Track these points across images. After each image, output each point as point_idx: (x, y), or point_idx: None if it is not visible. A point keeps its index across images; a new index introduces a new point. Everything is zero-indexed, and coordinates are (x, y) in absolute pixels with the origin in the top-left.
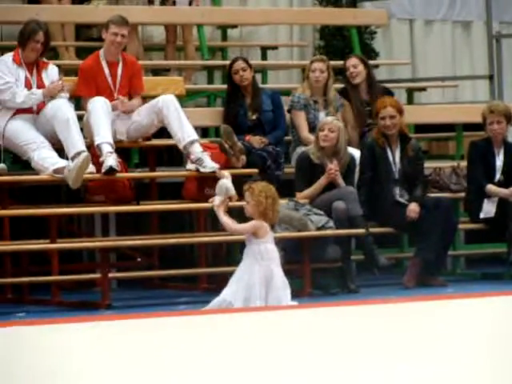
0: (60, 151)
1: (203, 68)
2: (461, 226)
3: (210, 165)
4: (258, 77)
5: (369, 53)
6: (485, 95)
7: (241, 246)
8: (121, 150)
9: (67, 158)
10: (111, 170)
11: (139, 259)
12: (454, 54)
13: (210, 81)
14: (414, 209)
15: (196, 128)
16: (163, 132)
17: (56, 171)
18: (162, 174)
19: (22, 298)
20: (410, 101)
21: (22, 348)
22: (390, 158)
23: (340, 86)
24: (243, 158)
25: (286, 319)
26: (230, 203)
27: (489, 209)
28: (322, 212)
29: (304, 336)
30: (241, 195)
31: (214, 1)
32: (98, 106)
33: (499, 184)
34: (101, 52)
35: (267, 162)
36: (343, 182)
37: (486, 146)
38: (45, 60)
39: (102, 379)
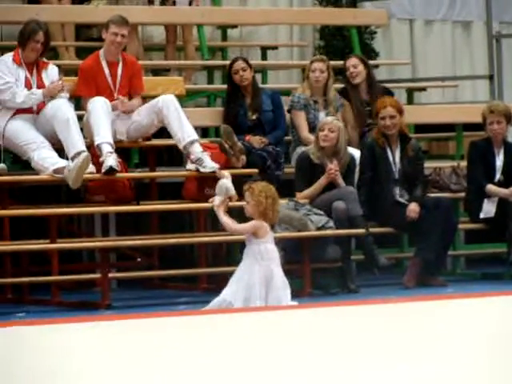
0: (60, 151)
1: (203, 68)
2: (461, 226)
3: (210, 165)
4: (258, 77)
5: (369, 53)
6: (485, 95)
7: (241, 246)
8: (121, 150)
9: (67, 158)
10: (111, 170)
11: (139, 259)
12: (454, 54)
13: (210, 81)
14: (414, 209)
15: (196, 128)
16: (163, 132)
17: (56, 171)
18: (162, 174)
19: (22, 298)
20: (410, 101)
21: (21, 348)
22: (390, 158)
23: (340, 86)
24: (243, 158)
25: (286, 319)
26: (230, 203)
27: (489, 209)
28: (321, 212)
29: (304, 336)
30: (241, 195)
31: (214, 1)
32: (98, 106)
33: (499, 184)
34: (101, 52)
35: (267, 162)
36: (343, 182)
37: (486, 145)
38: (45, 60)
39: (102, 379)
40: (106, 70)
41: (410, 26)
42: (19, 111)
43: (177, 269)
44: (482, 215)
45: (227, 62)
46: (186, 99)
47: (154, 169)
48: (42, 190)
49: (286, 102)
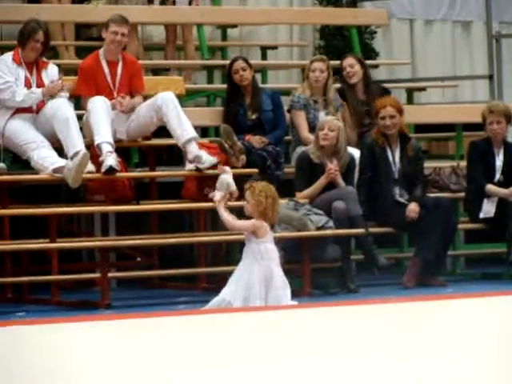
0: (60, 151)
1: (203, 68)
2: (460, 226)
3: (208, 160)
4: (258, 76)
5: (369, 53)
6: (484, 95)
7: (240, 245)
8: (121, 149)
9: (67, 158)
10: (111, 170)
11: (139, 259)
12: (454, 53)
13: (210, 80)
14: (413, 209)
15: (196, 128)
16: (163, 131)
17: (56, 170)
18: (162, 173)
19: (22, 298)
20: (410, 101)
21: (21, 347)
22: (390, 158)
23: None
24: (243, 157)
25: (286, 319)
26: (230, 203)
27: (488, 209)
28: (321, 212)
29: (304, 336)
30: (241, 195)
31: (214, 0)
32: (98, 106)
33: (499, 184)
34: (101, 51)
35: (267, 161)
36: (343, 182)
37: (486, 145)
38: (45, 59)
39: (102, 379)
40: (106, 70)
41: (410, 26)
42: (19, 111)
43: (176, 268)
44: (481, 215)
45: (227, 62)
46: (186, 99)
47: (154, 168)
48: (42, 190)
49: (286, 102)
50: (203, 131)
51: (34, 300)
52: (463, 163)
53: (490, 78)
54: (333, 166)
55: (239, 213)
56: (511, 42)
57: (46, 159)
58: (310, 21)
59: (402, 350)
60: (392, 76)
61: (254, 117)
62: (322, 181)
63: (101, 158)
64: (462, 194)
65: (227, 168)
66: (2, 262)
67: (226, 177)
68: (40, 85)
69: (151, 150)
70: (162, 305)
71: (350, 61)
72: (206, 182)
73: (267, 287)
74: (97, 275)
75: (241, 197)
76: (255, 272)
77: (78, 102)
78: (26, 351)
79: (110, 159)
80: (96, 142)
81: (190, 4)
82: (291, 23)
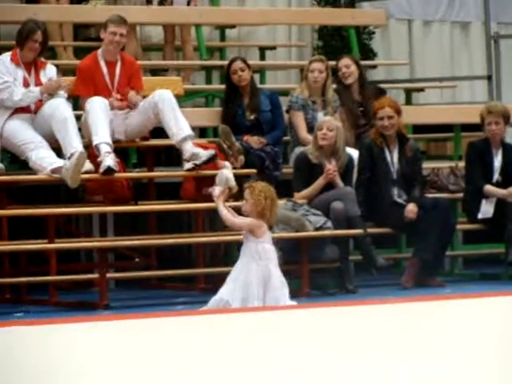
0: (58, 151)
1: (201, 68)
2: (459, 227)
3: (205, 154)
4: (257, 77)
5: (367, 53)
6: (483, 96)
7: (238, 246)
8: (119, 149)
9: (65, 158)
10: (109, 170)
11: (137, 259)
12: (453, 54)
13: (208, 81)
14: (412, 209)
15: (194, 128)
16: (161, 132)
17: (54, 171)
18: (160, 174)
19: (20, 298)
20: (408, 101)
21: (20, 348)
22: (388, 159)
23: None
24: (241, 158)
25: (284, 319)
26: (229, 203)
27: (487, 209)
28: (320, 212)
29: (302, 336)
30: (240, 195)
31: (212, 1)
32: (96, 106)
33: (497, 184)
34: (99, 52)
35: (265, 162)
36: (341, 183)
37: (484, 146)
38: (43, 60)
39: (101, 379)
40: (105, 70)
41: (408, 27)
42: (17, 111)
43: (175, 269)
44: (480, 216)
45: (225, 62)
46: (184, 99)
47: (152, 169)
48: (40, 190)
49: (285, 102)
50: (201, 132)
51: (32, 301)
52: (461, 164)
53: (489, 78)
54: (331, 167)
55: (237, 213)
56: (510, 42)
57: (44, 159)
58: (309, 21)
59: (400, 350)
60: (390, 76)
61: (252, 117)
62: (320, 181)
63: (99, 159)
64: (461, 195)
65: (227, 163)
66: (0, 263)
67: (226, 172)
68: (38, 85)
69: (149, 150)
70: (160, 305)
71: (345, 61)
72: (204, 182)
73: (265, 287)
74: (95, 276)
75: (240, 197)
76: (253, 271)
77: (77, 102)
78: (24, 352)
79: (109, 160)
80: (94, 143)
81: (188, 4)
82: (289, 24)
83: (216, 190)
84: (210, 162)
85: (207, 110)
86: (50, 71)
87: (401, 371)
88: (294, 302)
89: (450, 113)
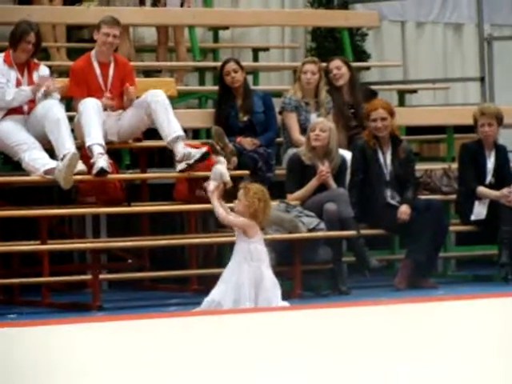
0: (51, 152)
1: (195, 69)
2: (452, 228)
3: (197, 152)
4: (250, 78)
5: (360, 54)
6: (476, 97)
7: (231, 247)
8: (112, 151)
9: (58, 159)
10: (102, 172)
11: (130, 261)
12: (446, 56)
13: (202, 82)
14: (405, 211)
15: (187, 130)
16: (154, 133)
17: (47, 172)
18: (153, 175)
19: (13, 300)
20: (402, 103)
21: (13, 350)
22: (381, 160)
23: None
24: (234, 159)
25: (277, 321)
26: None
27: (480, 211)
28: (313, 214)
29: (294, 338)
30: (232, 196)
31: (206, 2)
32: (89, 107)
33: (490, 186)
34: (92, 53)
35: (258, 163)
36: (334, 184)
37: (477, 148)
38: (36, 61)
39: (94, 380)
40: (98, 71)
41: (401, 28)
42: (10, 112)
43: (168, 270)
44: (472, 217)
45: (219, 64)
46: (178, 100)
47: (145, 170)
48: (33, 191)
49: (278, 104)
50: (195, 133)
51: (25, 302)
52: (454, 165)
53: (482, 80)
54: (324, 168)
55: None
56: (503, 44)
57: (37, 161)
58: (302, 23)
59: (393, 351)
60: (383, 78)
61: (245, 119)
62: (313, 183)
63: (92, 160)
64: (454, 196)
65: (221, 158)
66: None
67: (220, 167)
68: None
69: (142, 151)
70: (153, 307)
71: (336, 63)
72: (197, 183)
73: (257, 289)
74: (88, 277)
75: (233, 197)
76: (244, 272)
77: (70, 103)
78: (17, 353)
79: (102, 161)
80: (87, 144)
81: (181, 6)
82: (283, 25)
83: (211, 185)
84: (203, 160)
85: (200, 112)
86: (43, 72)
87: (394, 372)
88: (286, 303)
89: (442, 114)
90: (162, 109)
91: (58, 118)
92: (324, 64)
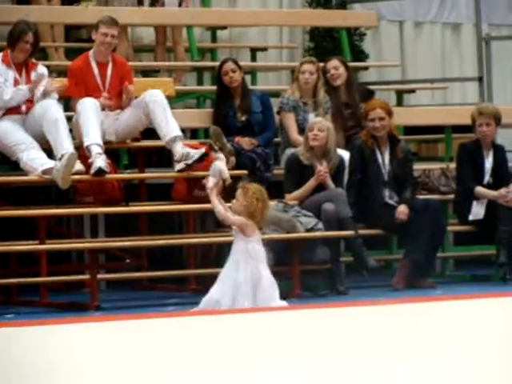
0: (49, 152)
1: (193, 69)
2: (450, 228)
3: (196, 153)
4: (248, 78)
5: (358, 54)
6: (474, 97)
7: (230, 247)
8: (110, 151)
9: (56, 159)
10: (100, 172)
11: (128, 260)
12: (444, 55)
13: (200, 82)
14: (403, 211)
15: (185, 129)
16: (152, 133)
17: (45, 172)
18: (151, 175)
19: (11, 300)
20: (400, 102)
21: (10, 349)
22: (380, 160)
23: None
24: (232, 159)
25: (275, 321)
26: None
27: (478, 211)
28: (311, 214)
29: (293, 337)
30: (230, 196)
31: (204, 2)
32: (88, 107)
33: (488, 186)
34: (90, 53)
35: (256, 163)
36: (332, 184)
37: (475, 148)
38: (34, 61)
39: (92, 380)
40: (96, 71)
41: (399, 28)
42: (8, 112)
43: (166, 270)
44: (470, 217)
45: (217, 64)
46: (176, 100)
47: (143, 170)
48: (31, 191)
49: (276, 104)
50: (193, 133)
51: (23, 302)
52: (453, 165)
53: (480, 80)
54: (322, 168)
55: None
56: (501, 44)
57: (35, 161)
58: (300, 22)
59: (391, 351)
60: (381, 78)
61: (243, 118)
62: (311, 182)
63: (90, 160)
64: (452, 196)
65: (221, 155)
66: None
67: (219, 163)
68: None
69: (140, 151)
70: (151, 306)
71: (334, 63)
72: (195, 183)
73: (255, 288)
74: (86, 277)
75: (231, 197)
76: (242, 271)
77: (68, 103)
78: (15, 353)
79: (100, 161)
80: (85, 144)
81: (179, 6)
82: (281, 25)
83: (210, 182)
84: (202, 160)
85: (198, 111)
86: (40, 72)
87: (392, 372)
88: (284, 303)
89: (441, 114)
90: (160, 109)
91: (56, 117)
92: (322, 64)
